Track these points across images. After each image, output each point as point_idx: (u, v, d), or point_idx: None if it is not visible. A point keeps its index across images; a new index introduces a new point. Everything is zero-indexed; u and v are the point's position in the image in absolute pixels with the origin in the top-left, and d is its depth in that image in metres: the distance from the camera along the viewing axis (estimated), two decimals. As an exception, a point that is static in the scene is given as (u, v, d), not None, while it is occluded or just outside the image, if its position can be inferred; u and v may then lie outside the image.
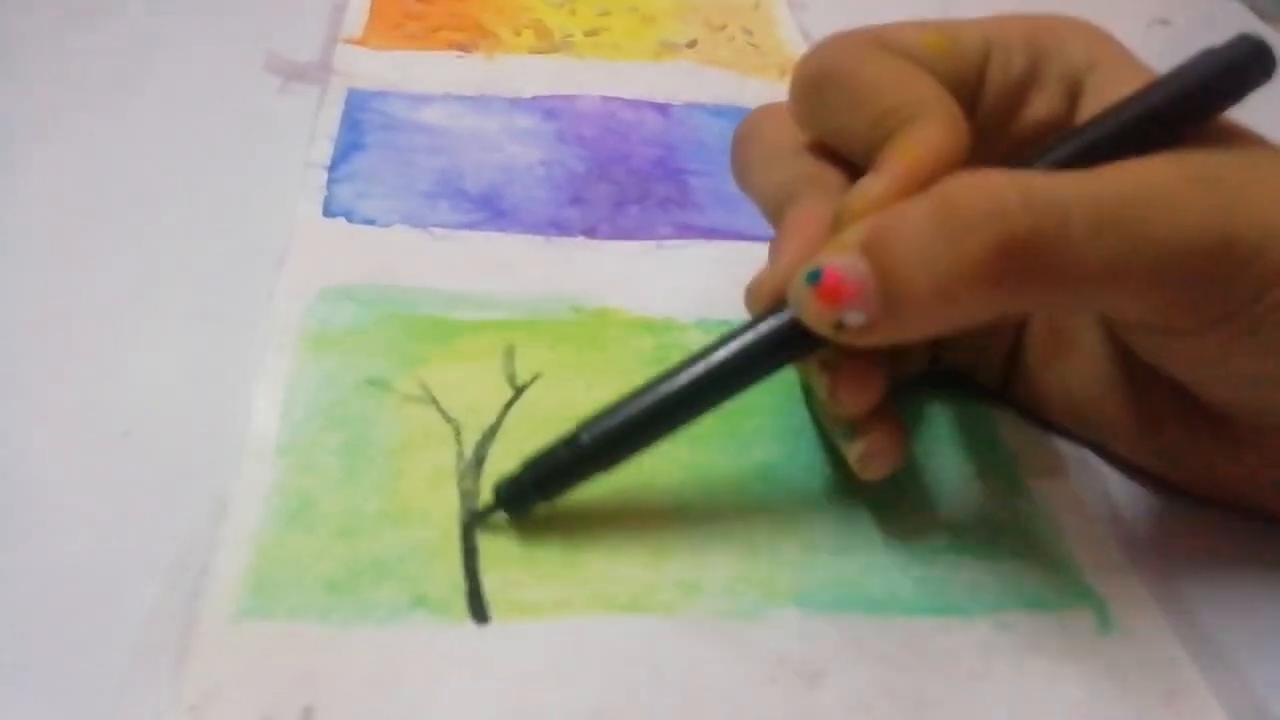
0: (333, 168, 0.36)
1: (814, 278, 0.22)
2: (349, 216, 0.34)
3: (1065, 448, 0.29)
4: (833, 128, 0.26)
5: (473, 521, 0.25)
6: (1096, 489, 0.28)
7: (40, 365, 0.28)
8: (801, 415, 0.29)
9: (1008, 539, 0.26)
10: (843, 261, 0.22)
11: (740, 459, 0.28)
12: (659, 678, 0.23)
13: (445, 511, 0.26)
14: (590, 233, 0.35)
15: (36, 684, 0.22)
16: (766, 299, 0.25)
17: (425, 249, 0.33)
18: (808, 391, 0.29)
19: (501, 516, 0.25)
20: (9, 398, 0.28)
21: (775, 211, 0.27)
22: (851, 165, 0.26)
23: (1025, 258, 0.21)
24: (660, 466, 0.27)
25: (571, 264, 0.34)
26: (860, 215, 0.23)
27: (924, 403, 0.30)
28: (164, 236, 0.33)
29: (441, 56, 0.43)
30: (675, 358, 0.30)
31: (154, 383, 0.28)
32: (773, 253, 0.26)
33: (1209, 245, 0.21)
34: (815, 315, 0.23)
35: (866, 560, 0.26)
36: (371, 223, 0.34)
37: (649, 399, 0.24)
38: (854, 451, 0.25)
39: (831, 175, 0.26)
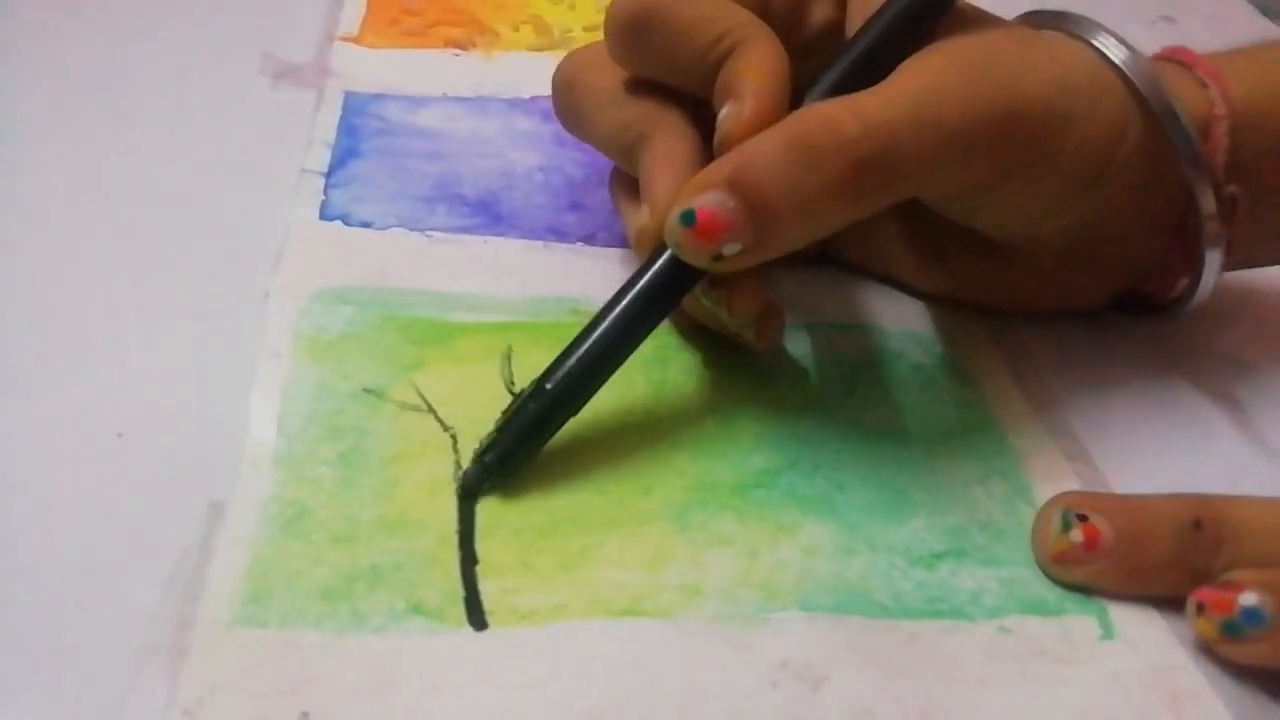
0: (329, 174, 0.36)
1: (688, 219, 0.25)
2: (345, 220, 0.34)
3: (1073, 451, 0.29)
4: (658, 62, 0.28)
5: (464, 494, 0.26)
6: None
7: (34, 367, 0.28)
8: (802, 419, 0.29)
9: (1011, 543, 0.26)
10: (712, 199, 0.25)
11: (740, 464, 0.28)
12: (659, 683, 0.22)
13: (442, 519, 0.25)
14: (589, 240, 0.35)
15: (30, 689, 0.22)
16: (651, 241, 0.27)
17: (422, 252, 0.33)
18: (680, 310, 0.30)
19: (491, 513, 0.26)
20: (2, 400, 0.27)
21: (623, 151, 0.29)
22: (679, 95, 0.29)
23: (870, 174, 0.25)
24: (660, 471, 0.27)
25: (571, 268, 0.33)
26: (740, 138, 0.26)
27: (929, 405, 0.30)
28: (159, 239, 0.33)
29: (438, 55, 0.43)
30: (675, 360, 0.30)
31: (148, 386, 0.28)
32: (644, 195, 0.28)
33: (993, 126, 0.26)
34: (695, 252, 0.25)
35: (869, 563, 0.25)
36: (368, 226, 0.34)
37: (594, 340, 0.27)
38: (751, 335, 0.28)
39: (672, 110, 0.29)
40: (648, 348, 0.30)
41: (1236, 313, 0.35)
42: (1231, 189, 0.28)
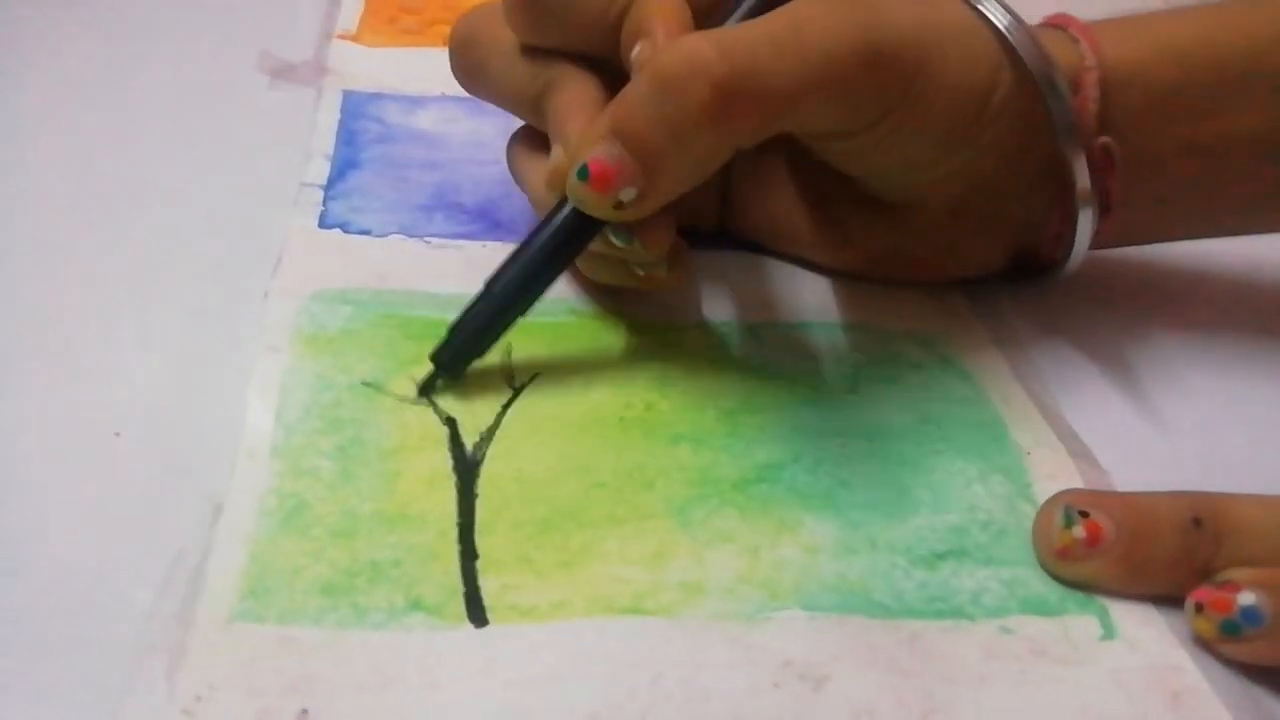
0: (328, 186, 0.36)
1: (583, 174, 0.26)
2: (344, 228, 0.34)
3: (1075, 450, 0.29)
4: (560, 28, 0.29)
5: (420, 391, 0.28)
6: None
7: (32, 365, 0.28)
8: (804, 414, 0.29)
9: (1013, 542, 0.26)
10: (601, 151, 0.26)
11: (742, 459, 0.28)
12: (660, 681, 0.22)
13: (442, 512, 0.25)
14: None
15: (28, 689, 0.21)
16: (564, 181, 0.27)
17: (421, 256, 0.33)
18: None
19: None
20: (1, 399, 0.27)
21: (531, 101, 0.30)
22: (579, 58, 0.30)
23: (733, 94, 0.25)
24: (661, 467, 0.27)
25: (569, 270, 0.33)
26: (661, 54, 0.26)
27: (930, 403, 0.30)
28: (157, 238, 0.33)
29: (437, 53, 0.43)
30: (676, 354, 0.30)
31: (146, 385, 0.28)
32: (556, 137, 0.29)
33: (857, 54, 0.26)
34: (595, 203, 0.26)
35: (870, 562, 0.25)
36: (367, 233, 0.34)
37: (536, 248, 0.28)
38: (663, 271, 0.29)
39: (578, 60, 0.30)
40: (646, 345, 0.31)
41: (1237, 301, 0.35)
42: (1104, 140, 0.29)
